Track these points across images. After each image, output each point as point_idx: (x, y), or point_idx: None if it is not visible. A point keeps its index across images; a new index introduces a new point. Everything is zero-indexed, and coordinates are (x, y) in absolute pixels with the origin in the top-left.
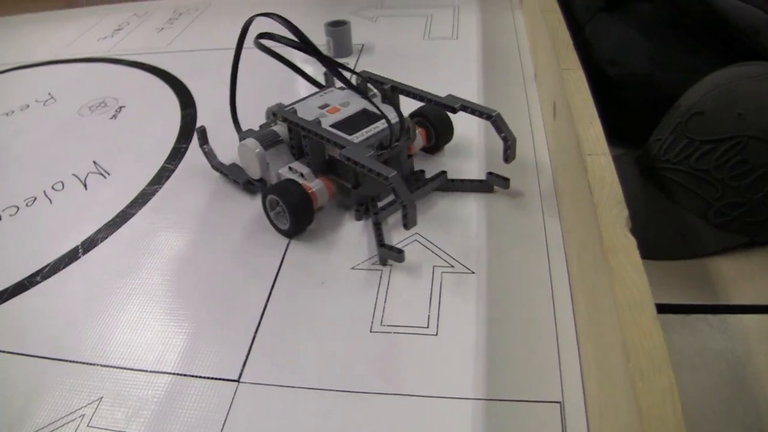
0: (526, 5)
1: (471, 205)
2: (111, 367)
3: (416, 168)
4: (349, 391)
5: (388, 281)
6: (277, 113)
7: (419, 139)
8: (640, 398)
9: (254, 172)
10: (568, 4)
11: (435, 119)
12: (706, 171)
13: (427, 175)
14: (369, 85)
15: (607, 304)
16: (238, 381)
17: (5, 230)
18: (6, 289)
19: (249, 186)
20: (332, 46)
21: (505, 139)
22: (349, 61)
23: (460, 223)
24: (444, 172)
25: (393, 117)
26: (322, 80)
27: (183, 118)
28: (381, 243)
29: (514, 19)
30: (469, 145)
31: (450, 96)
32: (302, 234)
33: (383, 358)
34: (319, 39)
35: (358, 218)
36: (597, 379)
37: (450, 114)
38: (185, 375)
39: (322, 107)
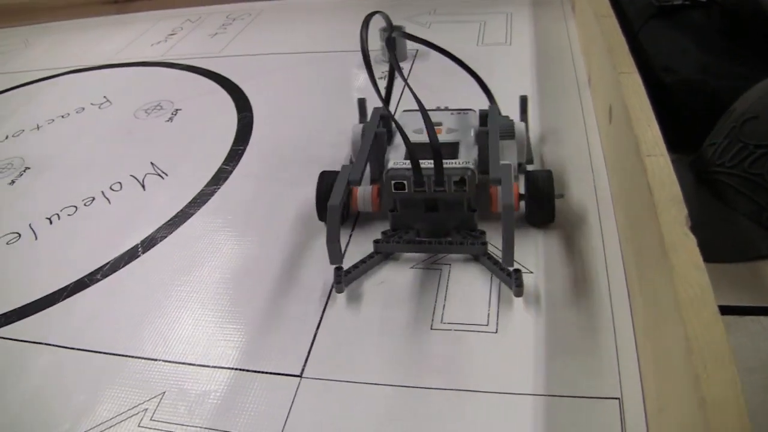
0: (579, 12)
1: None
2: (173, 362)
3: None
4: (410, 387)
5: (448, 280)
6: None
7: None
8: (704, 390)
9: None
10: (621, 10)
11: (532, 189)
12: (760, 175)
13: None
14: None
15: (667, 301)
16: (300, 376)
17: (64, 229)
18: (66, 287)
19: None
20: (387, 51)
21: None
22: (404, 66)
23: (518, 223)
24: (484, 244)
25: (461, 162)
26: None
27: (239, 120)
28: (340, 267)
29: (567, 26)
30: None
31: (506, 166)
32: (361, 233)
33: (444, 355)
34: (375, 44)
35: (378, 240)
36: (656, 376)
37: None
38: (247, 370)
39: (435, 124)
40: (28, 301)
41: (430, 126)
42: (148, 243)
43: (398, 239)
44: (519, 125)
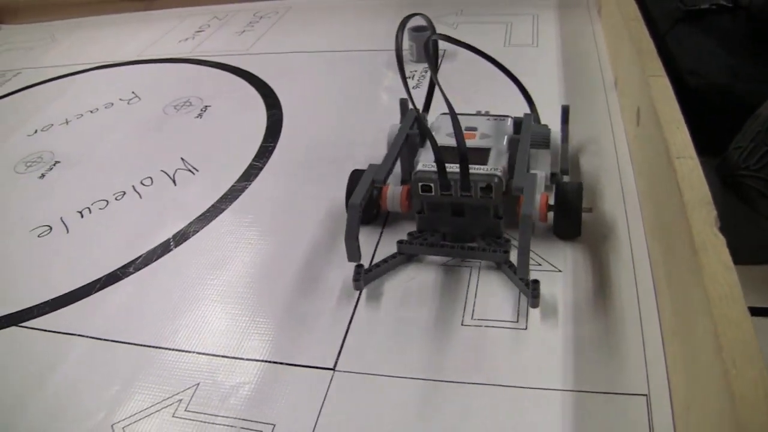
0: (605, 15)
1: None
2: (206, 354)
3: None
4: (441, 381)
5: (478, 278)
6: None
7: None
8: (733, 386)
9: None
10: (648, 14)
11: (560, 201)
12: None
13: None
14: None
15: (696, 300)
16: (333, 369)
17: (95, 222)
18: (99, 279)
19: None
20: (415, 51)
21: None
22: None
23: (546, 233)
24: (506, 252)
25: (489, 168)
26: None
27: (269, 117)
28: (360, 264)
29: (593, 29)
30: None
31: (532, 176)
32: (392, 232)
33: (475, 350)
34: (403, 44)
35: (399, 241)
36: (684, 373)
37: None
38: (280, 363)
39: (468, 129)
40: (61, 293)
41: (459, 130)
42: (180, 237)
43: (422, 241)
44: (555, 134)
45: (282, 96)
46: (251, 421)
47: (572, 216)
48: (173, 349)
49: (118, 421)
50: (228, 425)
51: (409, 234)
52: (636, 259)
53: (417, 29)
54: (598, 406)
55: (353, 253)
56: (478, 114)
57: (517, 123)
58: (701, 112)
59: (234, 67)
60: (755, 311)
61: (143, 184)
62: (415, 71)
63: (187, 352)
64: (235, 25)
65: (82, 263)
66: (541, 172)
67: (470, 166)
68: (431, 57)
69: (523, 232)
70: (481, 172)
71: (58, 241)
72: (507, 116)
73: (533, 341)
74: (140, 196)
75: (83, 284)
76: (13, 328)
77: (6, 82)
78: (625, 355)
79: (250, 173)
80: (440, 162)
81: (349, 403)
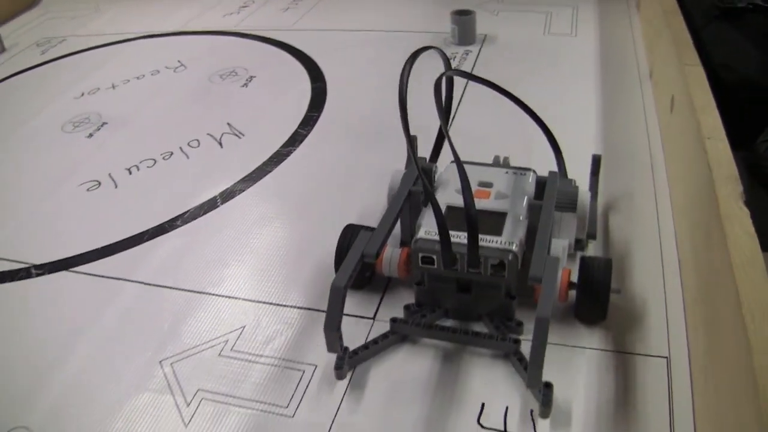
0: (644, 7)
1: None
2: (252, 301)
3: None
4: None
5: None
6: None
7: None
8: (751, 339)
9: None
10: (684, 11)
11: (585, 280)
12: None
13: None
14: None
15: (720, 266)
16: (373, 319)
17: (143, 179)
18: (147, 231)
19: None
20: (457, 34)
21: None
22: (472, 50)
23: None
24: (517, 342)
25: (503, 242)
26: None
27: (313, 89)
28: (344, 348)
29: (630, 21)
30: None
31: (553, 261)
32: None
33: None
34: (445, 26)
35: (393, 319)
36: (704, 336)
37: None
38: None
39: (483, 185)
40: (110, 242)
41: (468, 192)
42: (227, 195)
43: (420, 318)
44: (582, 195)
45: (326, 70)
46: (294, 361)
47: (598, 299)
48: (219, 295)
49: (166, 358)
50: (272, 365)
51: (406, 308)
52: (663, 237)
53: (460, 12)
54: (621, 364)
55: (332, 344)
56: (496, 164)
57: (540, 183)
58: (733, 105)
59: (279, 42)
60: None
61: (190, 146)
62: (456, 53)
63: (233, 298)
64: (279, 2)
65: (130, 216)
66: (565, 240)
67: (481, 236)
68: (441, 100)
69: (538, 339)
70: (494, 246)
71: (107, 196)
72: (528, 169)
73: (564, 303)
74: (187, 157)
75: (131, 235)
76: (63, 272)
77: (51, 48)
78: (649, 319)
79: (295, 139)
80: (443, 230)
81: (388, 350)
